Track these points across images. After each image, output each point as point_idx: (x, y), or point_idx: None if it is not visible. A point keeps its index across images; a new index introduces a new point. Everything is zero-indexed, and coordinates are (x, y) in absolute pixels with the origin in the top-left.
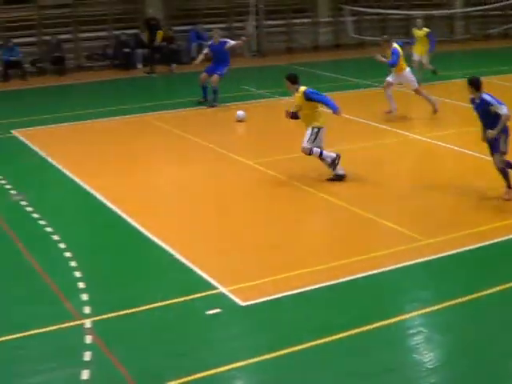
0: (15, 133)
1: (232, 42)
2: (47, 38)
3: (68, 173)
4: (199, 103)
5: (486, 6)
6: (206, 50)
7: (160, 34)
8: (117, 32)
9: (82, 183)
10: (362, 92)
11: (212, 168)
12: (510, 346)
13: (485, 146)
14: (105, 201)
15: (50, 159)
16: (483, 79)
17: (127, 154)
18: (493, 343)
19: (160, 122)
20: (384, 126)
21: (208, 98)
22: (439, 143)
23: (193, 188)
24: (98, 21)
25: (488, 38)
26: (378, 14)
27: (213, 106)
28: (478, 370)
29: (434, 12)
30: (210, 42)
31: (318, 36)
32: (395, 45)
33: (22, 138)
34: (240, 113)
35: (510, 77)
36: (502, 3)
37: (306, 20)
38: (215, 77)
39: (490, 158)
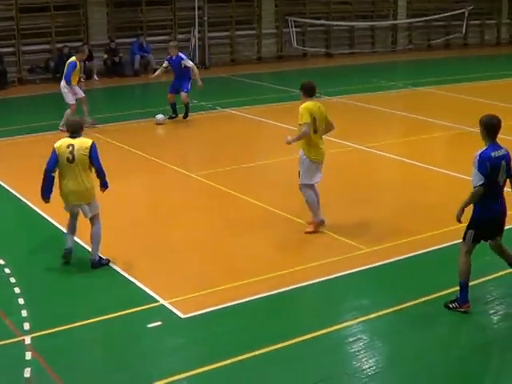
0: None
1: (190, 64)
2: None
3: (8, 187)
4: (171, 118)
5: (429, 17)
6: (165, 64)
7: None
8: (60, 45)
9: (23, 199)
10: None
11: (153, 181)
12: (448, 352)
13: (424, 156)
14: (45, 216)
15: None
16: (425, 89)
17: None
18: (431, 350)
19: (100, 135)
20: (325, 137)
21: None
22: (380, 152)
23: (133, 202)
24: (41, 34)
25: (430, 48)
26: (322, 25)
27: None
28: (417, 375)
29: (378, 23)
30: (168, 56)
31: (261, 47)
32: None
33: None
34: (159, 116)
35: (451, 87)
36: (444, 14)
37: (249, 32)
38: (183, 94)
39: (429, 167)
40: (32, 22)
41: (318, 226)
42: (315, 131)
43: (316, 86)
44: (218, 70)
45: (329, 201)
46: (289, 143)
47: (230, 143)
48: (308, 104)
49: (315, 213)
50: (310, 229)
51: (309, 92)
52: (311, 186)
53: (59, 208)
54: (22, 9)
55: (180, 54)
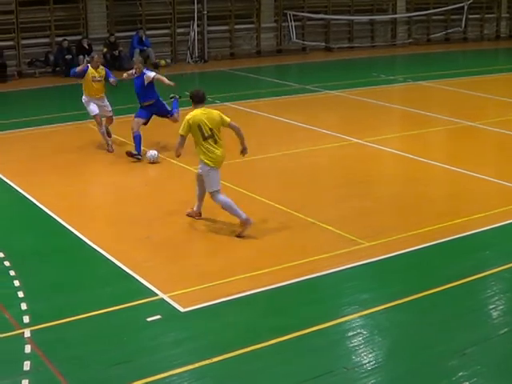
0: None
1: (152, 74)
2: None
3: (8, 181)
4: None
5: (429, 11)
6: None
7: None
8: (59, 38)
9: (22, 192)
10: (304, 97)
11: (151, 174)
12: (448, 347)
13: (423, 150)
14: (46, 210)
15: None
16: (425, 83)
17: (68, 162)
18: (432, 344)
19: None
20: (324, 131)
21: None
22: (379, 147)
23: (131, 195)
24: (40, 27)
25: (430, 42)
26: (321, 19)
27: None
28: (417, 370)
29: (377, 17)
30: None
31: (261, 41)
32: None
33: None
34: (151, 153)
35: (450, 81)
36: (443, 8)
37: (248, 26)
38: (175, 117)
39: (429, 161)
40: (31, 16)
41: (246, 223)
42: (205, 138)
43: (204, 94)
44: (217, 64)
45: (328, 195)
46: (178, 156)
47: (227, 137)
48: (192, 113)
49: (238, 214)
50: (240, 229)
51: (195, 100)
52: (220, 192)
53: (60, 202)
54: (21, 2)
55: (144, 71)
